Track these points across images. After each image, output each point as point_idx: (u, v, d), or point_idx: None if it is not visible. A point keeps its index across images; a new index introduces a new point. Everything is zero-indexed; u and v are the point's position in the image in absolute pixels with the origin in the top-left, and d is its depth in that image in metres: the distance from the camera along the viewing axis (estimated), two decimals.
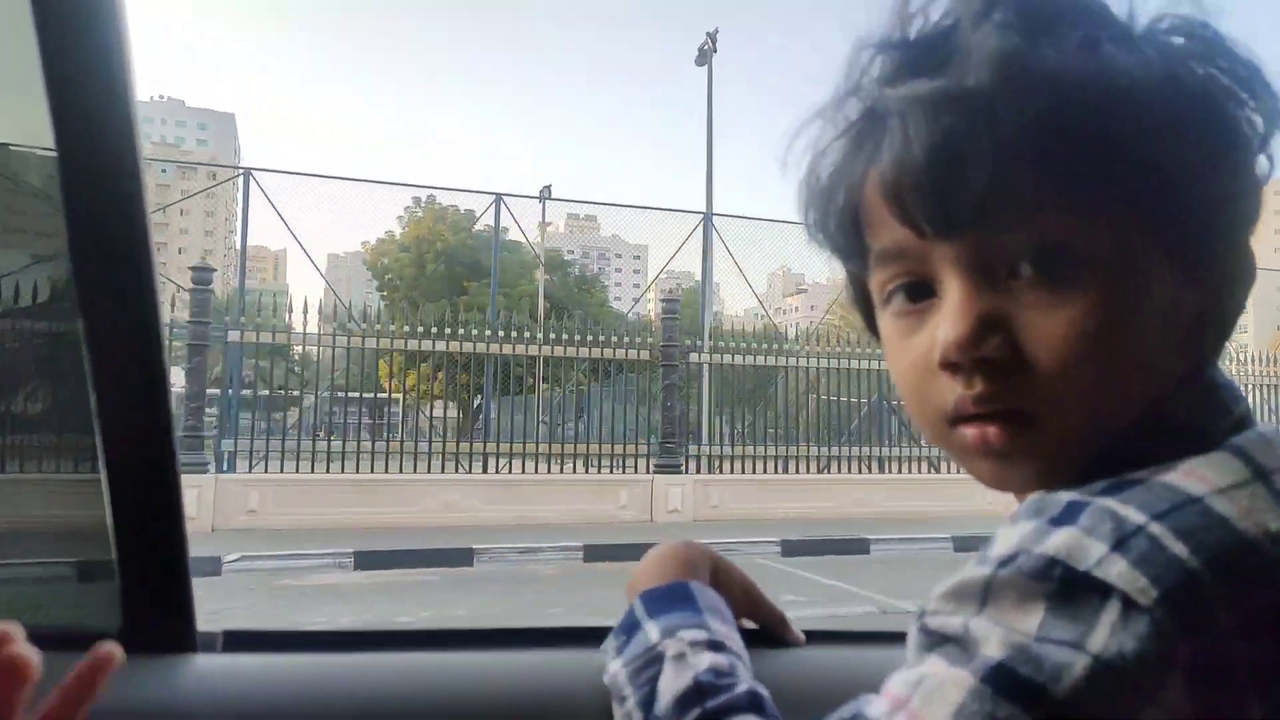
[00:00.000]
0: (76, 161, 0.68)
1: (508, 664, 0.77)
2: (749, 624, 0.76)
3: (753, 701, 0.59)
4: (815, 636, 0.80)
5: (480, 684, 0.75)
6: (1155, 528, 0.41)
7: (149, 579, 0.75)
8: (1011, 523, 0.45)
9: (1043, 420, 0.48)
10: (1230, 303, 0.51)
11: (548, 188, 17.14)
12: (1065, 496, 0.44)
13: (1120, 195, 0.46)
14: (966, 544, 9.20)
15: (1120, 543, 0.41)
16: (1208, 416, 0.49)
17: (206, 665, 0.74)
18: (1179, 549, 0.40)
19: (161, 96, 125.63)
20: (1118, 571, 0.40)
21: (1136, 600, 0.39)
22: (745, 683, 0.60)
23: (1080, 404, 0.47)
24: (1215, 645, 0.40)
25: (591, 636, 0.74)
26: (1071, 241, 0.46)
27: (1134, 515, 0.41)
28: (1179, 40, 0.49)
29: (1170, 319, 0.49)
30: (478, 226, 25.69)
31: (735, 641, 0.65)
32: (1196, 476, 0.43)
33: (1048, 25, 0.46)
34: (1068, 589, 0.41)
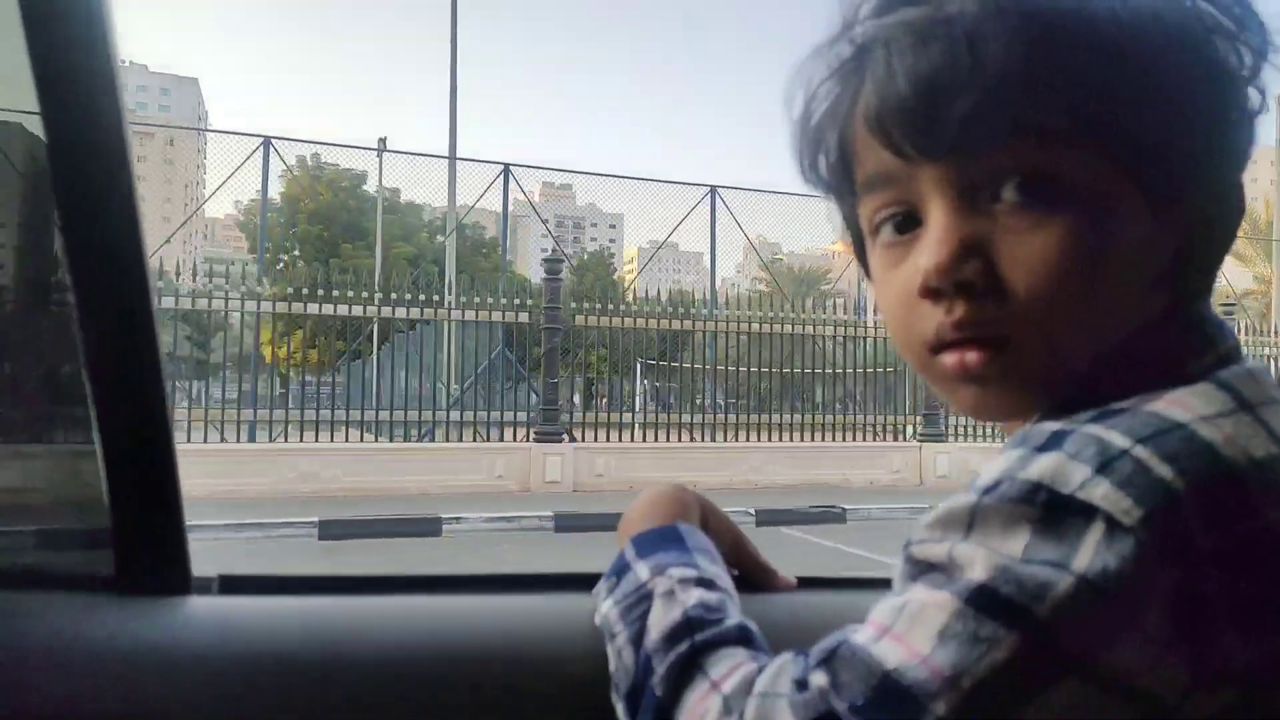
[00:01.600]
0: (64, 136, 0.69)
1: (502, 607, 0.79)
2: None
3: (742, 634, 0.59)
4: (804, 583, 0.82)
5: (475, 627, 0.76)
6: (1140, 451, 0.42)
7: (143, 524, 0.75)
8: (1001, 454, 0.46)
9: (1018, 344, 0.49)
10: (1214, 239, 0.51)
11: (382, 139, 16.46)
12: (1050, 426, 0.45)
13: (1101, 125, 0.47)
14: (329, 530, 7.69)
15: (1104, 465, 0.42)
16: (1189, 351, 0.49)
17: (201, 606, 0.75)
18: (1164, 471, 0.41)
19: (124, 61, 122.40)
20: (1101, 493, 0.41)
21: (1120, 520, 0.40)
22: (734, 617, 0.60)
23: (1055, 329, 0.48)
24: (1195, 569, 0.41)
25: (584, 581, 0.75)
26: (1050, 169, 0.47)
27: (1118, 439, 0.42)
28: None
29: (1147, 252, 0.49)
30: (369, 186, 24.97)
31: (725, 580, 0.66)
32: (1181, 405, 0.44)
33: None
34: (1052, 511, 0.42)
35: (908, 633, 0.43)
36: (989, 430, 12.40)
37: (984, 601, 0.41)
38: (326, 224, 23.73)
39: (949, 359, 0.50)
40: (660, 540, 0.67)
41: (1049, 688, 0.41)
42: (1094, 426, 0.44)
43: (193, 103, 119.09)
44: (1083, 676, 0.41)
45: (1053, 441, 0.44)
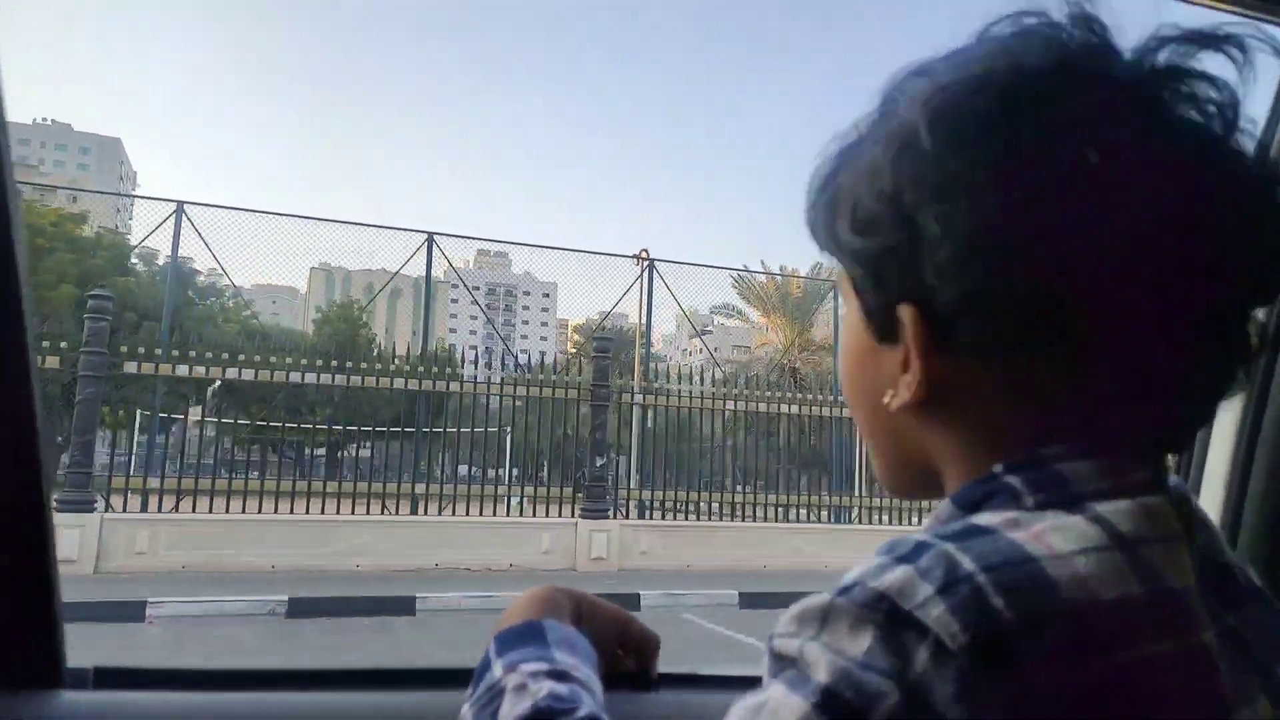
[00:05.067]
0: None
1: (377, 705, 0.78)
2: (628, 662, 0.80)
3: None
4: (667, 680, 0.82)
5: None
6: (983, 578, 0.43)
7: (15, 612, 0.73)
8: (871, 555, 0.48)
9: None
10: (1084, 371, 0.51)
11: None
12: (917, 536, 0.48)
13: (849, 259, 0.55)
14: None
15: (946, 588, 0.43)
16: (1084, 474, 0.50)
17: (74, 702, 0.72)
18: (997, 601, 0.43)
19: (47, 120, 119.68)
20: (936, 614, 0.43)
21: (946, 644, 0.42)
22: (586, 708, 0.61)
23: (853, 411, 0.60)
24: (1023, 699, 0.42)
25: (465, 678, 0.75)
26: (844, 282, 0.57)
27: (967, 564, 0.44)
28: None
29: (875, 361, 0.56)
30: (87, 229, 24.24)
31: (582, 671, 0.66)
32: (1041, 539, 0.45)
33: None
34: (893, 623, 0.43)
35: None
36: None
37: (829, 705, 0.43)
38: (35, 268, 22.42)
39: None
40: (519, 637, 0.68)
41: None
42: (953, 545, 0.46)
43: (114, 163, 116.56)
44: None
45: (913, 553, 0.46)
